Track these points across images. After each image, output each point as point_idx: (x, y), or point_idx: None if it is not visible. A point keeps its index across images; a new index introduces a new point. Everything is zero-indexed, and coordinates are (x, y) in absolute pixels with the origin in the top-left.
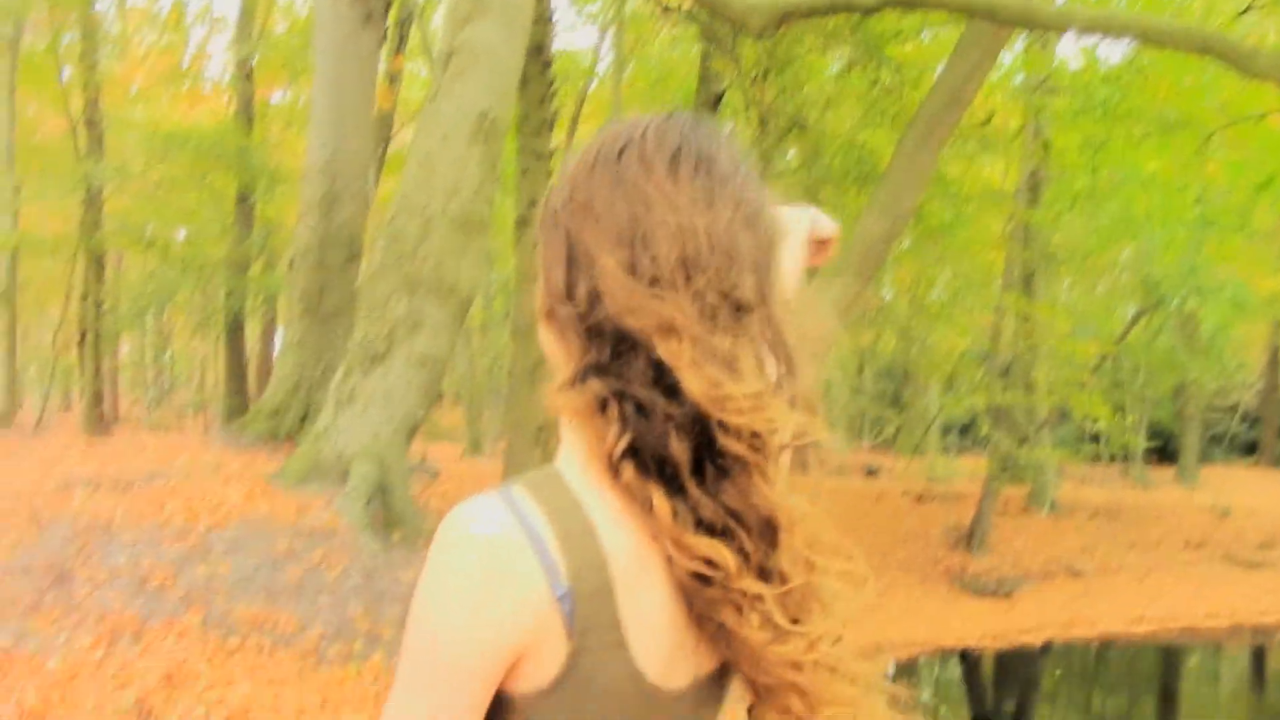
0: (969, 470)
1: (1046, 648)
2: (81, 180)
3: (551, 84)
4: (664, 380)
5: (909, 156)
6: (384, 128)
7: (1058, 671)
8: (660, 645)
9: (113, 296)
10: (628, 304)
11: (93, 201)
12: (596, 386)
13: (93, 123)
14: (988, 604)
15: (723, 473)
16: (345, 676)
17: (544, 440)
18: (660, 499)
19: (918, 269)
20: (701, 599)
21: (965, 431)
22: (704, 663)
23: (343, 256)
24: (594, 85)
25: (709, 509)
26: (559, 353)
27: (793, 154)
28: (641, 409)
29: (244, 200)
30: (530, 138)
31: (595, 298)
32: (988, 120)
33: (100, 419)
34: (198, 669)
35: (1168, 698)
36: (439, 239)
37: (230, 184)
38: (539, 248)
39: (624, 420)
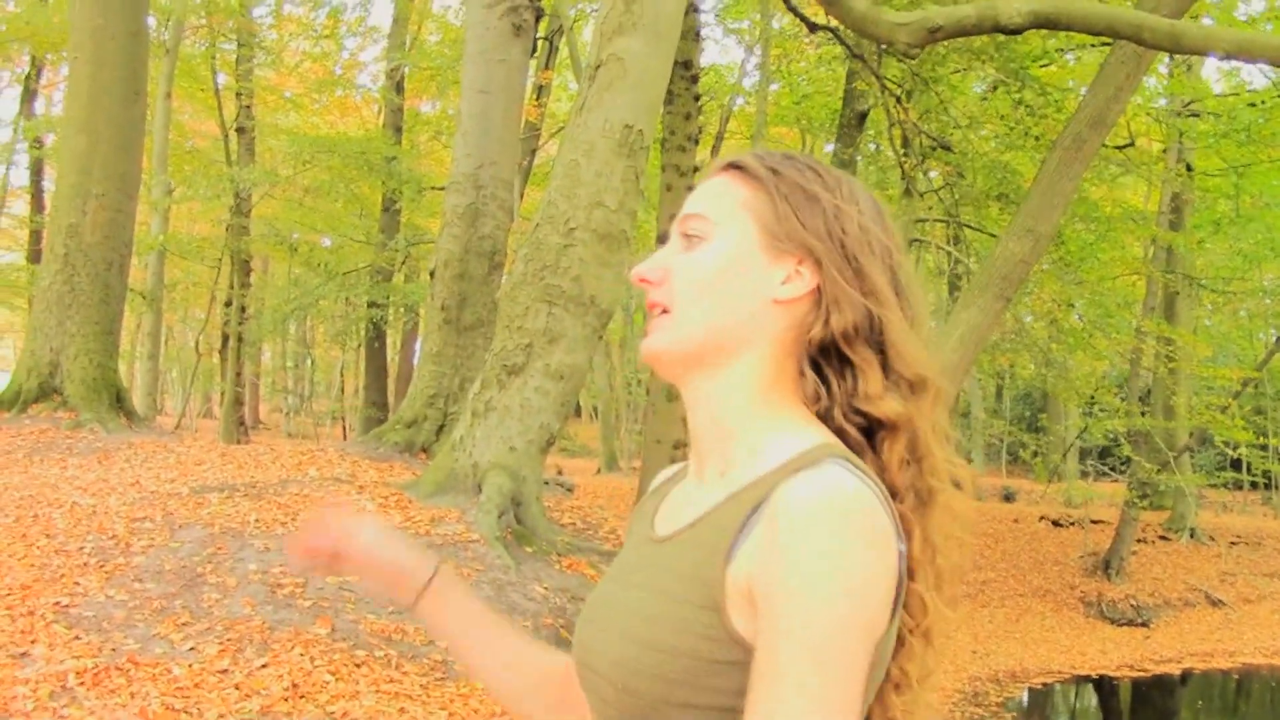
0: (1107, 495)
1: (1185, 678)
2: (230, 184)
3: (697, 100)
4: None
5: (1051, 178)
6: (530, 140)
7: (1198, 703)
8: None
9: (257, 302)
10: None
11: (241, 206)
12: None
13: (244, 129)
14: (1124, 632)
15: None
16: (470, 692)
17: (680, 457)
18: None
19: (1057, 291)
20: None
21: (1104, 456)
22: None
23: (485, 268)
24: (739, 102)
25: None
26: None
27: (935, 174)
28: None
29: (389, 209)
30: (674, 153)
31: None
32: (1130, 143)
33: (240, 424)
34: (323, 680)
35: None
36: (581, 252)
37: (376, 192)
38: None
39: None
